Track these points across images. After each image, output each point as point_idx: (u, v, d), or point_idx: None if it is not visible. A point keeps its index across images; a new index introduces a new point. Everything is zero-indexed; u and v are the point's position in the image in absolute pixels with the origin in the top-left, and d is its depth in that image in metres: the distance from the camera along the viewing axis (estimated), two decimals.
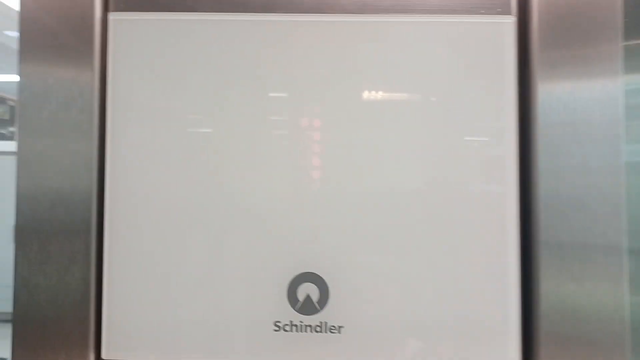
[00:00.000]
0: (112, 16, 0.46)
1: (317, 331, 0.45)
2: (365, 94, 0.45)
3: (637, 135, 0.62)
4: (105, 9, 0.46)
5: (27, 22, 0.46)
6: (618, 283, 0.43)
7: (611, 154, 0.43)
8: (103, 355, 0.46)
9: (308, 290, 0.46)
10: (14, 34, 3.91)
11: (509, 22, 0.45)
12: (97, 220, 0.46)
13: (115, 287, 0.46)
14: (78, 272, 0.46)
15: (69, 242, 0.46)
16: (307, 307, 0.46)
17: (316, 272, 0.46)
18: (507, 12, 0.45)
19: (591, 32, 0.43)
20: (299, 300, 0.46)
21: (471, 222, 0.45)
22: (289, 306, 0.46)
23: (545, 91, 0.44)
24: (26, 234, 0.46)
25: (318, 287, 0.46)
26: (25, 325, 0.46)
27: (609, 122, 0.43)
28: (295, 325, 0.45)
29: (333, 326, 0.45)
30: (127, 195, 0.46)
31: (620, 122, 0.43)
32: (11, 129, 5.80)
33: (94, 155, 0.46)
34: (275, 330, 0.45)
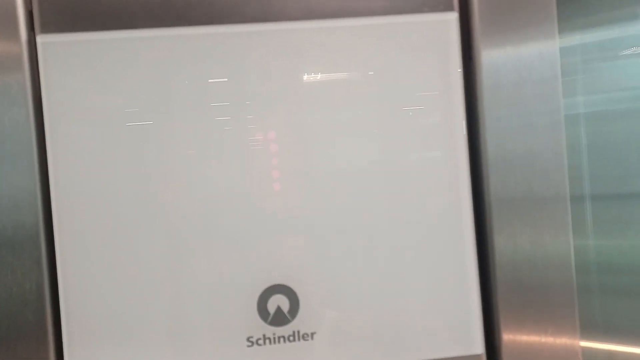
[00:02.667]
0: (41, 39, 0.42)
1: (290, 341, 0.46)
2: (317, 102, 0.45)
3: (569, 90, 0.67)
4: (32, 30, 0.43)
5: None
6: (564, 230, 0.46)
7: (552, 110, 0.45)
8: None
9: (278, 302, 0.45)
10: None
11: (452, 19, 0.46)
12: (45, 231, 0.43)
13: (72, 301, 0.43)
14: (30, 285, 0.43)
15: (16, 254, 0.43)
16: (279, 319, 0.46)
17: (284, 284, 0.45)
18: (449, 8, 0.46)
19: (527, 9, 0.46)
20: (269, 313, 0.45)
21: (429, 203, 0.46)
22: (260, 320, 0.45)
23: (488, 58, 0.46)
24: None
25: (288, 297, 0.46)
26: None
27: (548, 80, 0.46)
28: (269, 338, 0.45)
29: (306, 333, 0.46)
30: (80, 218, 0.43)
31: (558, 80, 0.46)
32: None
33: (37, 187, 0.43)
34: (249, 346, 0.45)
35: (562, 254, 0.46)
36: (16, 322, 0.43)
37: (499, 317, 0.46)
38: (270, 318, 0.45)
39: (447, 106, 0.46)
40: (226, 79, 0.44)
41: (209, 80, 0.44)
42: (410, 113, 0.46)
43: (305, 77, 0.45)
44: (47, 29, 0.42)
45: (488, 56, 0.46)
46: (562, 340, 0.47)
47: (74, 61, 0.43)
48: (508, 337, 0.46)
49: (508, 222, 0.46)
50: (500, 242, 0.46)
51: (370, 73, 0.45)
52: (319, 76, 0.45)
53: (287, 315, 0.45)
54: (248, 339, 0.45)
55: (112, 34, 0.43)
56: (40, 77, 0.43)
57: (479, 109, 0.46)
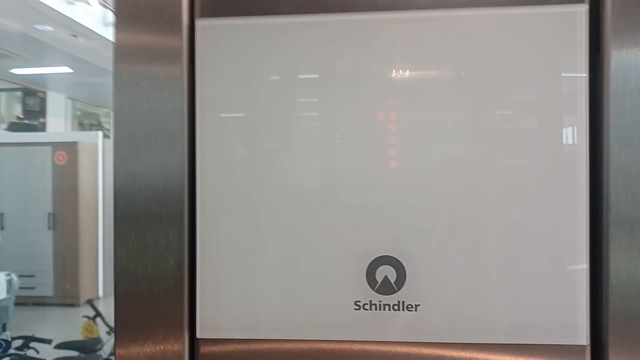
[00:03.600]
0: (199, 22, 0.49)
1: (394, 309, 0.48)
2: (441, 89, 0.48)
3: None
4: (192, 15, 0.49)
5: (121, 29, 0.49)
6: None
7: None
8: (197, 335, 0.50)
9: (386, 272, 0.49)
10: (45, 27, 3.99)
11: (581, 11, 0.46)
12: (189, 212, 0.50)
13: (207, 272, 0.50)
14: (172, 260, 0.50)
15: (163, 232, 0.50)
16: (386, 287, 0.49)
17: (393, 256, 0.48)
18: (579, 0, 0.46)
19: None
20: (377, 282, 0.49)
21: (543, 204, 0.47)
22: (368, 286, 0.49)
23: (618, 62, 0.45)
24: (124, 225, 0.50)
25: (395, 269, 0.49)
26: (126, 309, 0.50)
27: None
28: (375, 305, 0.49)
29: (410, 304, 0.48)
30: (217, 189, 0.50)
31: None
32: (42, 120, 5.95)
33: (185, 154, 0.49)
34: (356, 309, 0.49)
35: None
36: (160, 268, 0.50)
37: (608, 312, 0.46)
38: (377, 286, 0.49)
39: (570, 109, 0.46)
40: (357, 62, 0.48)
41: (338, 64, 0.48)
42: (529, 113, 0.47)
43: (430, 64, 0.48)
44: (205, 14, 0.49)
45: (618, 57, 0.44)
46: None
47: (226, 43, 0.49)
48: (615, 331, 0.46)
49: (626, 223, 0.45)
50: (615, 255, 0.45)
51: (491, 66, 0.47)
52: (442, 65, 0.48)
53: (394, 285, 0.49)
54: (355, 303, 0.49)
55: (259, 20, 0.48)
56: (195, 58, 0.49)
57: (604, 116, 0.45)
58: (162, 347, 0.50)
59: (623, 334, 0.46)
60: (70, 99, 6.50)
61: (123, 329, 0.51)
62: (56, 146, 4.94)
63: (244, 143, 0.50)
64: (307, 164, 0.49)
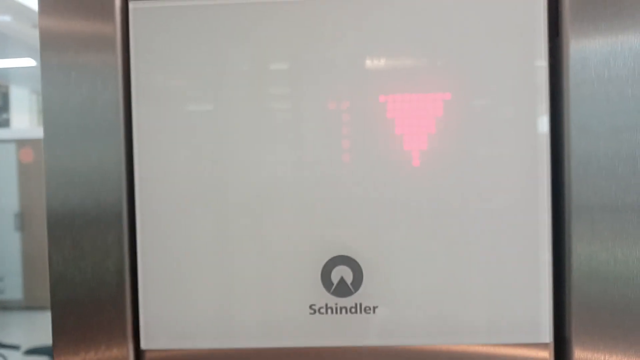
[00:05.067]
0: (133, 4, 0.45)
1: (351, 312, 0.46)
2: (397, 75, 0.45)
3: None
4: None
5: (46, 16, 0.45)
6: None
7: None
8: (142, 346, 0.47)
9: (342, 273, 0.46)
10: (1, 17, 3.83)
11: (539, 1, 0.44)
12: (128, 213, 0.46)
13: (149, 277, 0.46)
14: (112, 265, 0.46)
15: (101, 235, 0.46)
16: (342, 289, 0.46)
17: (349, 255, 0.46)
18: None
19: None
20: (333, 284, 0.46)
21: (505, 197, 0.45)
22: (324, 289, 0.46)
23: (577, 48, 0.43)
24: (59, 229, 0.46)
25: (352, 269, 0.46)
26: (64, 319, 0.47)
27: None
28: (331, 308, 0.46)
29: (367, 306, 0.46)
30: (157, 187, 0.46)
31: None
32: (4, 115, 5.75)
33: (122, 149, 0.45)
34: (311, 314, 0.46)
35: None
36: (98, 273, 0.46)
37: (571, 309, 0.44)
38: (333, 288, 0.46)
39: (530, 97, 0.44)
40: (309, 47, 0.45)
41: (294, 49, 0.45)
42: (489, 91, 0.44)
43: (383, 47, 0.45)
44: None
45: (577, 43, 0.43)
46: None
47: (162, 27, 0.45)
48: (578, 329, 0.44)
49: (588, 220, 0.44)
50: (578, 235, 0.44)
51: (450, 52, 0.44)
52: (397, 48, 0.45)
53: (350, 286, 0.46)
54: (310, 307, 0.46)
55: (198, 1, 0.45)
56: (130, 44, 0.45)
57: (564, 105, 0.44)
58: (104, 358, 0.47)
59: (586, 330, 0.44)
60: (35, 93, 6.30)
61: (61, 340, 0.48)
62: (21, 143, 4.78)
63: (184, 137, 0.46)
64: (253, 159, 0.46)
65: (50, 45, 0.45)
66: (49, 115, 0.46)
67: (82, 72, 0.45)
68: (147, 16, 0.45)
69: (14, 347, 2.83)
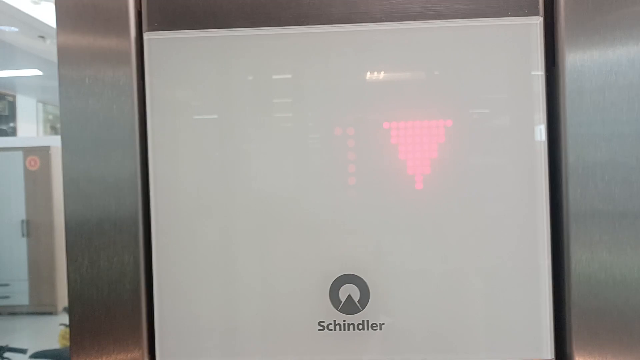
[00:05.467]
0: (147, 36, 0.47)
1: (359, 329, 0.47)
2: (398, 101, 0.47)
3: None
4: (140, 28, 0.47)
5: (64, 47, 0.47)
6: None
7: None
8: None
9: (349, 291, 0.48)
10: (9, 29, 3.88)
11: (536, 23, 0.46)
12: (144, 233, 0.48)
13: (165, 295, 0.48)
14: (129, 284, 0.48)
15: (118, 255, 0.48)
16: (349, 307, 0.48)
17: (357, 274, 0.47)
18: (534, 12, 0.46)
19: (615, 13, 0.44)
20: (341, 301, 0.48)
21: (503, 217, 0.46)
22: (332, 306, 0.48)
23: (573, 62, 0.45)
24: (76, 248, 0.48)
25: (359, 287, 0.47)
26: (83, 335, 0.48)
27: (636, 86, 0.44)
28: (339, 325, 0.48)
29: (374, 323, 0.47)
30: (171, 209, 0.48)
31: None
32: (12, 124, 5.80)
33: (137, 173, 0.47)
34: (320, 330, 0.48)
35: None
36: (115, 290, 0.48)
37: (571, 325, 0.46)
38: (341, 305, 0.47)
39: (528, 111, 0.46)
40: (315, 76, 0.47)
41: (300, 78, 0.47)
42: (489, 116, 0.46)
43: (386, 76, 0.47)
44: (153, 27, 0.47)
45: (572, 60, 0.45)
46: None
47: (175, 56, 0.47)
48: (579, 345, 0.46)
49: (586, 233, 0.45)
50: (577, 252, 0.45)
51: (451, 75, 0.46)
52: (399, 76, 0.47)
53: (358, 304, 0.47)
54: (319, 323, 0.47)
55: (209, 32, 0.47)
56: (145, 70, 0.47)
57: (561, 115, 0.45)
58: None
59: (587, 347, 0.45)
60: (41, 102, 6.35)
61: (80, 356, 0.49)
62: (27, 151, 4.82)
63: (196, 163, 0.48)
64: (267, 182, 0.47)
65: (67, 62, 0.47)
66: (67, 128, 0.47)
67: (98, 100, 0.47)
68: (161, 45, 0.47)
69: (21, 351, 2.86)
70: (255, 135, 0.47)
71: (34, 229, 4.80)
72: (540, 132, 0.46)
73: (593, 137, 0.45)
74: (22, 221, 4.78)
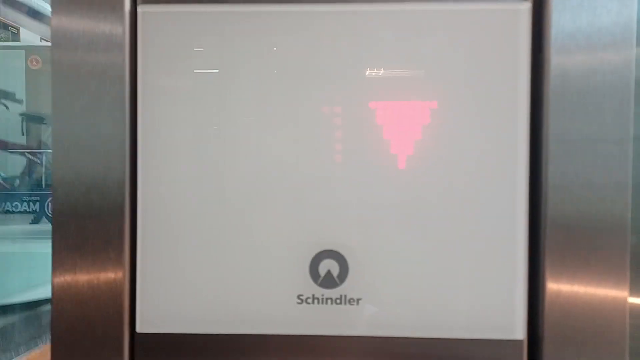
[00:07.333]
0: (141, 8, 0.47)
1: (337, 303, 0.49)
2: (385, 83, 0.47)
3: None
4: (134, 2, 0.48)
5: (58, 16, 0.47)
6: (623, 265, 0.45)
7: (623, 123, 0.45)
8: (137, 329, 0.49)
9: (329, 266, 0.49)
10: None
11: (524, 9, 0.46)
12: (130, 204, 0.49)
13: (147, 264, 0.49)
14: (112, 253, 0.49)
15: (104, 224, 0.48)
16: (328, 281, 0.49)
17: (337, 250, 0.48)
18: None
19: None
20: (320, 276, 0.49)
21: (482, 197, 0.47)
22: (311, 280, 0.49)
23: (558, 62, 0.46)
24: (62, 217, 0.49)
25: (338, 263, 0.49)
26: (64, 302, 0.49)
27: (622, 87, 0.45)
28: (317, 299, 0.49)
29: (352, 298, 0.49)
30: (158, 181, 0.48)
31: (630, 89, 0.45)
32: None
33: (126, 145, 0.48)
34: (298, 303, 0.49)
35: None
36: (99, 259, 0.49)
37: (544, 307, 0.47)
38: (320, 280, 0.49)
39: (512, 95, 0.47)
40: (304, 54, 0.47)
41: (290, 56, 0.48)
42: (474, 100, 0.47)
43: (374, 57, 0.47)
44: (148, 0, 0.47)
45: (558, 57, 0.45)
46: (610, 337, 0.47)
47: (170, 32, 0.47)
48: (551, 321, 0.47)
49: (562, 235, 0.46)
50: (554, 233, 0.46)
51: (434, 63, 0.47)
52: (386, 58, 0.47)
53: (336, 279, 0.49)
54: (298, 297, 0.49)
55: (204, 7, 0.47)
56: (137, 45, 0.48)
57: (544, 116, 0.46)
58: (101, 342, 0.49)
59: (559, 327, 0.47)
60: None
61: (60, 324, 0.50)
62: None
63: (184, 134, 0.48)
64: (250, 156, 0.48)
65: (61, 44, 0.47)
66: (58, 112, 0.48)
67: (90, 71, 0.47)
68: (155, 19, 0.47)
69: None
70: (242, 111, 0.48)
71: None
72: (524, 117, 0.47)
73: (575, 120, 0.46)
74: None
